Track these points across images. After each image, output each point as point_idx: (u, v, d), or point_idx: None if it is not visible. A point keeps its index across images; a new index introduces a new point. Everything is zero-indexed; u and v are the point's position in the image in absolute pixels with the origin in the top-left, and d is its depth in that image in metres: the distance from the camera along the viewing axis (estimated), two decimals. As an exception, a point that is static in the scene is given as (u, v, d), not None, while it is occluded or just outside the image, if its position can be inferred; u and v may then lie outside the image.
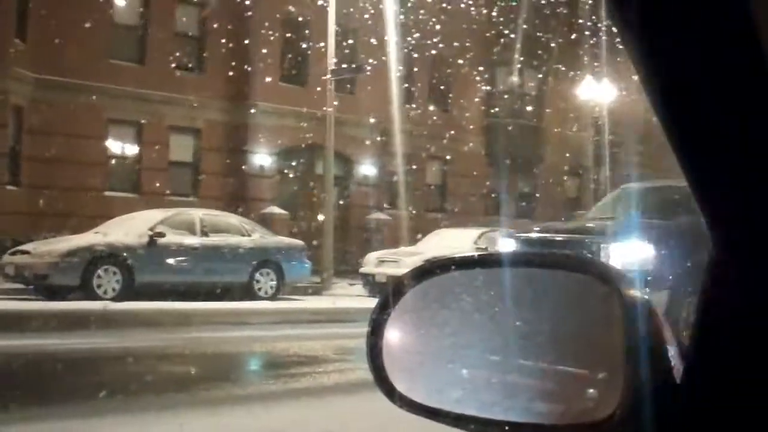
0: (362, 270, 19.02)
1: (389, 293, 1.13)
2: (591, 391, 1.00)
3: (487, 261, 1.13)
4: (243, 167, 24.84)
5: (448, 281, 1.10)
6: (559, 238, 9.36)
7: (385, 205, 27.35)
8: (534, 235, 9.93)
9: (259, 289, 17.34)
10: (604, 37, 25.10)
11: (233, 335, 11.39)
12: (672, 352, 0.94)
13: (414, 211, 26.48)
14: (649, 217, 9.49)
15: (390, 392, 1.08)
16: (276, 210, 23.55)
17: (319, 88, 21.90)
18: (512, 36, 27.71)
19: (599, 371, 1.00)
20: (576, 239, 9.06)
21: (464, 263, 1.13)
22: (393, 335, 1.13)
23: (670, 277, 8.31)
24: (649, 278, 8.33)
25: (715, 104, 0.78)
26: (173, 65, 24.15)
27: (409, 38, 25.31)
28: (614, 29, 0.79)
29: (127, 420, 5.63)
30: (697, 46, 0.76)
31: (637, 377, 0.92)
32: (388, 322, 1.13)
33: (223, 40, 23.87)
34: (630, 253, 8.75)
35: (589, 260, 1.07)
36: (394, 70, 25.87)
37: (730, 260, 0.86)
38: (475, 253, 1.09)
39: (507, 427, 0.97)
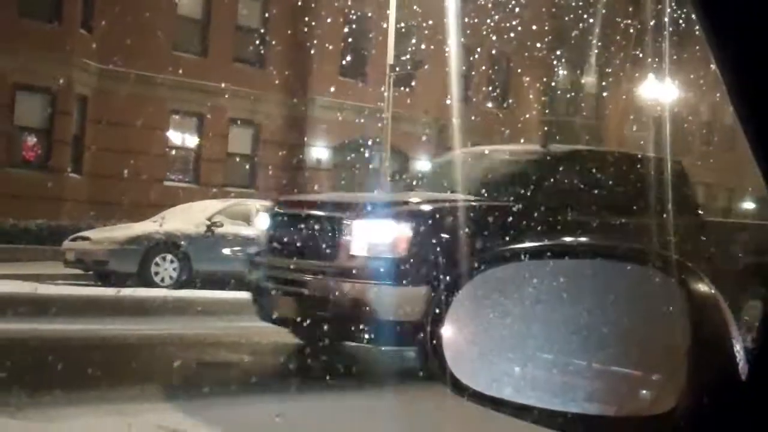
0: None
1: (450, 284, 1.13)
2: (644, 392, 0.98)
3: (548, 251, 1.12)
4: (300, 160, 25.02)
5: (509, 271, 1.10)
6: (299, 212, 7.67)
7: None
8: (277, 208, 8.13)
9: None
10: (666, 37, 24.69)
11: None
12: (738, 348, 0.92)
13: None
14: (473, 194, 7.84)
15: (453, 381, 1.09)
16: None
17: (377, 84, 21.94)
18: (569, 35, 27.42)
19: (654, 372, 0.98)
20: (318, 214, 7.44)
21: (525, 252, 1.13)
22: (454, 324, 1.13)
23: (434, 272, 6.59)
24: (403, 267, 6.68)
25: None
26: (234, 58, 24.42)
27: (469, 34, 25.20)
28: (702, 35, 0.78)
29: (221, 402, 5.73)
30: None
31: (701, 373, 0.91)
32: (449, 312, 1.13)
33: (284, 34, 24.06)
34: (377, 235, 6.97)
35: (652, 252, 1.06)
36: (453, 66, 25.79)
37: None
38: (537, 243, 1.08)
39: (569, 416, 0.97)
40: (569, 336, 1.05)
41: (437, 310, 1.12)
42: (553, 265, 1.09)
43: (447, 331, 1.12)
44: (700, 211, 9.32)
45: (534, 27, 27.27)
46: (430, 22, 23.98)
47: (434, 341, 1.12)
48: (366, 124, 23.72)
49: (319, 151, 25.50)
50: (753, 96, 0.79)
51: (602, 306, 1.03)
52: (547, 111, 30.42)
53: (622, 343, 1.03)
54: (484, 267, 1.12)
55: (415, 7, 23.67)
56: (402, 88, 24.34)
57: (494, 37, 26.03)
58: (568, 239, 1.27)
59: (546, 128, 30.05)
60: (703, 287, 0.94)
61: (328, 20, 24.31)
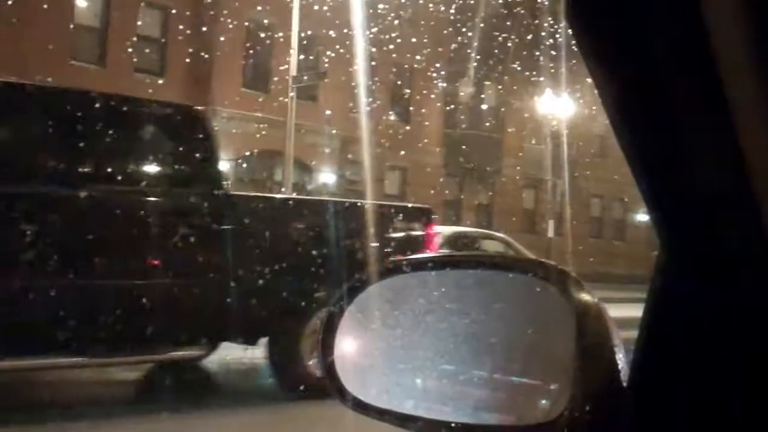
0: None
1: (343, 293, 1.13)
2: (544, 402, 1.00)
3: (437, 262, 1.13)
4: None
5: (401, 282, 1.11)
6: None
7: (343, 214, 27.30)
8: None
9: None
10: (564, 52, 25.37)
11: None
12: (620, 355, 0.94)
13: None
14: None
15: (340, 391, 1.08)
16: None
17: (281, 95, 21.85)
18: (473, 49, 27.90)
19: (551, 380, 1.00)
20: None
21: (414, 264, 1.14)
22: (345, 334, 1.13)
23: None
24: None
25: (671, 123, 0.78)
26: (135, 68, 23.93)
27: (372, 49, 25.36)
28: (574, 44, 0.79)
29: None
30: (655, 64, 0.77)
31: (585, 380, 0.92)
32: (341, 322, 1.13)
33: (186, 44, 23.72)
34: None
35: (538, 262, 1.07)
36: (357, 79, 25.89)
37: (678, 269, 0.87)
38: (426, 255, 1.09)
39: (455, 426, 0.98)
40: (459, 346, 1.06)
41: (329, 322, 1.12)
42: (441, 276, 1.10)
43: (339, 343, 1.12)
44: (224, 183, 7.48)
45: (438, 40, 27.65)
46: (334, 34, 24.04)
47: (325, 353, 1.11)
48: (269, 135, 23.58)
49: (220, 164, 25.19)
50: (624, 104, 0.81)
51: (490, 316, 1.04)
52: (448, 125, 30.82)
53: (513, 352, 1.04)
54: (375, 279, 1.12)
55: (319, 19, 23.69)
56: (305, 100, 24.31)
57: (398, 52, 26.25)
58: (455, 251, 1.29)
59: (446, 142, 30.48)
60: (584, 296, 0.96)
61: (231, 31, 24.09)
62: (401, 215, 8.26)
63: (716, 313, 0.84)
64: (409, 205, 11.80)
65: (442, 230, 12.57)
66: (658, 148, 0.81)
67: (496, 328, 1.03)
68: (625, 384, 0.92)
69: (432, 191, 29.57)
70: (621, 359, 0.94)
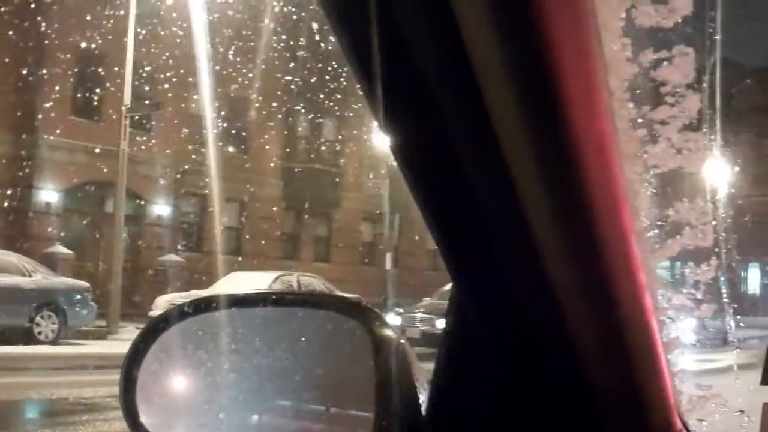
0: (151, 314, 18.40)
1: (146, 332, 1.10)
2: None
3: (242, 300, 1.12)
4: (27, 203, 23.49)
5: (205, 321, 1.09)
6: None
7: (179, 247, 26.70)
8: None
9: (40, 332, 16.40)
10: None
11: (9, 381, 10.72)
12: (420, 387, 0.96)
13: (209, 254, 26.02)
14: None
15: None
16: (61, 249, 22.37)
17: (114, 124, 21.18)
18: (313, 82, 28.11)
19: (357, 410, 1.01)
20: None
21: (220, 303, 1.12)
22: (150, 374, 1.09)
23: None
24: None
25: (447, 162, 0.79)
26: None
27: (210, 79, 25.06)
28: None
29: None
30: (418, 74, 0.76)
31: (387, 413, 0.94)
32: (145, 362, 1.09)
33: (12, 70, 22.61)
34: None
35: (339, 298, 1.08)
36: (194, 110, 25.50)
37: (470, 306, 0.90)
38: (229, 293, 1.08)
39: None
40: (264, 384, 1.05)
41: (130, 363, 1.08)
42: (246, 314, 1.09)
43: (141, 385, 1.08)
44: None
45: (278, 73, 27.65)
46: (171, 63, 23.61)
47: (127, 396, 1.07)
48: (101, 166, 22.78)
49: (48, 194, 24.07)
50: (408, 149, 0.83)
51: (296, 352, 1.04)
52: (286, 158, 30.80)
53: (318, 387, 1.04)
54: (178, 319, 1.10)
55: (155, 48, 23.21)
56: (140, 130, 23.69)
57: (237, 82, 26.07)
58: (253, 290, 1.28)
59: (284, 175, 30.43)
60: (385, 330, 0.97)
61: (61, 58, 23.21)
62: None
63: (502, 340, 0.87)
64: None
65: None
66: (441, 190, 0.82)
67: (300, 365, 1.03)
68: (424, 415, 0.94)
69: (270, 224, 29.41)
70: (421, 391, 0.96)
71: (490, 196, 0.78)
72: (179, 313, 1.10)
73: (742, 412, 1.57)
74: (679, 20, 0.90)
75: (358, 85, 0.79)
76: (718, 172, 24.35)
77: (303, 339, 1.03)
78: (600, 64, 0.78)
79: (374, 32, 0.71)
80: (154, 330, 1.10)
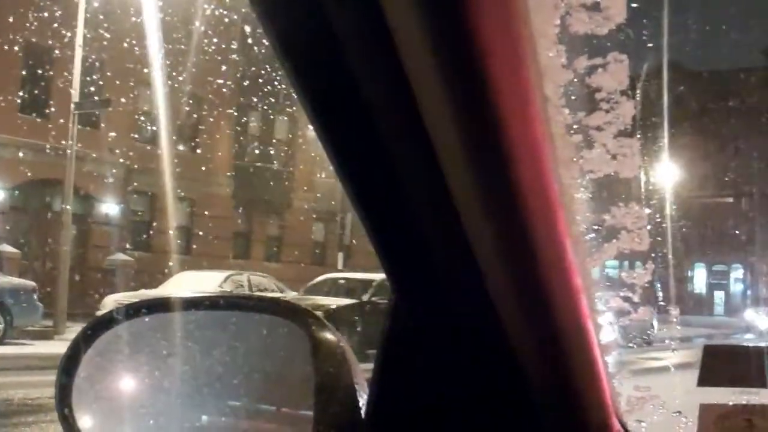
0: (98, 313, 18.13)
1: (80, 337, 1.08)
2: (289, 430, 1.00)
3: (179, 304, 1.11)
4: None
5: (141, 325, 1.07)
6: None
7: (127, 246, 26.36)
8: None
9: (-17, 332, 16.10)
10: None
11: (-50, 383, 10.50)
12: (359, 389, 0.97)
13: (159, 253, 25.74)
14: None
15: None
16: (7, 248, 21.95)
17: (62, 121, 20.83)
18: (262, 80, 27.94)
19: (297, 409, 1.01)
20: None
21: (155, 306, 1.11)
22: (85, 379, 1.08)
23: None
24: None
25: (380, 165, 0.80)
26: None
27: (161, 77, 24.79)
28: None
29: None
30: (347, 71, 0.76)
31: (326, 414, 0.94)
32: (81, 366, 1.08)
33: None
34: None
35: (278, 300, 1.08)
36: (144, 107, 25.22)
37: (408, 309, 0.91)
38: (166, 297, 1.07)
39: None
40: (209, 386, 1.05)
41: (67, 367, 1.07)
42: (184, 317, 1.08)
43: (77, 388, 1.07)
44: None
45: (229, 71, 27.43)
46: (121, 60, 23.30)
47: (63, 399, 1.05)
48: (48, 163, 22.39)
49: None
50: (344, 156, 0.83)
51: (234, 356, 1.04)
52: (238, 156, 30.58)
53: (269, 387, 1.04)
54: (114, 323, 1.08)
55: (104, 44, 22.88)
56: (89, 127, 23.34)
57: (187, 79, 25.79)
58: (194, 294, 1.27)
59: (235, 174, 30.21)
60: (326, 334, 0.97)
61: (8, 54, 22.75)
62: None
63: (440, 343, 0.88)
64: None
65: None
66: (382, 202, 0.82)
67: (239, 368, 1.03)
68: (363, 416, 0.94)
69: (221, 223, 29.17)
70: (360, 393, 0.96)
71: (423, 199, 0.78)
72: (110, 319, 1.09)
73: (679, 413, 1.60)
74: (614, 27, 0.91)
75: (291, 86, 0.79)
76: (663, 175, 24.74)
77: (240, 343, 1.03)
78: (533, 70, 0.78)
79: (305, 33, 0.71)
80: (87, 337, 1.08)
